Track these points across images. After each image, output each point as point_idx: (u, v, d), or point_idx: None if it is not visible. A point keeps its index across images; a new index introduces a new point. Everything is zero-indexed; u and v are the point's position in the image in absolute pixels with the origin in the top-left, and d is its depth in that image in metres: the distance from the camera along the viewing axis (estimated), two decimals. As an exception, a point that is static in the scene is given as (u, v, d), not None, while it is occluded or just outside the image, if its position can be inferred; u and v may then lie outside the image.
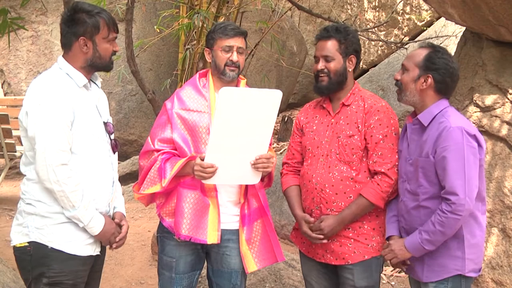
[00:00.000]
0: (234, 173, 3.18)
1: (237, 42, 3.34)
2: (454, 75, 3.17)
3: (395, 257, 3.19)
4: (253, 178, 3.24)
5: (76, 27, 2.96)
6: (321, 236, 3.30)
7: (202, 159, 3.10)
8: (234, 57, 3.33)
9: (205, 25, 6.18)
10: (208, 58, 3.42)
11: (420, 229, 3.11)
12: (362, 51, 9.19)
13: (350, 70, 3.39)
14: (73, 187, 2.86)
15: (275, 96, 3.06)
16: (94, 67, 3.04)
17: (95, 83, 3.17)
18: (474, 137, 3.03)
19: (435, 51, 3.16)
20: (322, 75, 3.39)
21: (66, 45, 3.01)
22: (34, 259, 2.93)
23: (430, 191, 3.08)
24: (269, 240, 3.37)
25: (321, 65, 3.38)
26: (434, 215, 3.03)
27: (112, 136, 3.17)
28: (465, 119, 3.18)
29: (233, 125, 3.04)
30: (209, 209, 3.25)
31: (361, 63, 3.39)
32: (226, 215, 3.32)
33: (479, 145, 3.05)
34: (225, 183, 3.26)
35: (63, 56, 3.04)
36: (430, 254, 3.12)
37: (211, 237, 3.24)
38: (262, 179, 3.31)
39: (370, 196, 3.25)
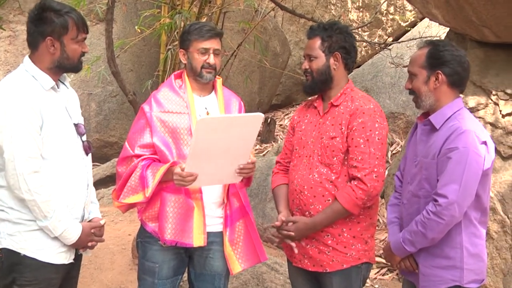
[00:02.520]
0: (215, 176, 3.17)
1: (213, 44, 3.32)
2: (463, 62, 3.06)
3: (388, 260, 3.18)
4: (235, 178, 3.23)
5: (43, 26, 2.88)
6: (291, 234, 3.26)
7: (182, 169, 3.08)
8: (211, 59, 3.31)
9: (186, 26, 6.16)
10: (183, 60, 3.39)
11: (405, 229, 3.09)
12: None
13: (335, 68, 3.32)
14: (45, 196, 2.80)
15: (255, 120, 3.03)
16: (61, 68, 2.97)
17: (63, 83, 3.09)
18: (484, 144, 2.95)
19: (435, 46, 3.09)
20: (306, 74, 3.37)
21: (33, 45, 2.93)
22: (5, 266, 2.87)
23: (431, 195, 2.99)
24: (251, 240, 3.36)
25: (305, 64, 3.37)
26: (420, 215, 2.99)
27: (84, 138, 3.10)
28: (478, 123, 3.10)
29: (212, 148, 3.00)
30: (194, 211, 3.23)
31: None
32: (211, 217, 3.31)
33: (489, 153, 2.97)
34: (205, 185, 3.25)
35: (29, 56, 2.96)
36: (427, 264, 3.06)
37: (197, 240, 3.22)
38: (241, 180, 3.31)
39: (344, 202, 3.17)
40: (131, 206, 3.32)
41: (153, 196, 3.21)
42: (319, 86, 3.35)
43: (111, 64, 5.72)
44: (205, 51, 3.31)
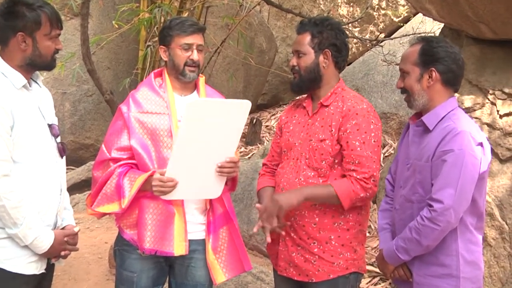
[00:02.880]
0: (195, 187, 3.18)
1: (196, 39, 3.31)
2: (458, 59, 3.08)
3: (381, 269, 3.18)
4: (215, 191, 3.25)
5: (15, 21, 2.85)
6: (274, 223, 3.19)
7: (162, 174, 3.08)
8: (195, 55, 3.30)
9: (167, 21, 6.15)
10: (164, 57, 3.37)
11: (398, 236, 3.09)
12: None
13: (324, 66, 3.31)
14: (15, 202, 2.77)
15: (243, 107, 3.06)
16: (33, 66, 2.95)
17: (36, 82, 3.07)
18: (480, 146, 2.96)
19: (428, 42, 3.10)
20: (294, 71, 3.37)
21: (2, 41, 2.90)
22: None
23: (426, 200, 2.99)
24: (235, 248, 3.36)
25: (293, 61, 3.36)
26: (413, 221, 2.99)
27: (59, 139, 3.07)
28: (473, 124, 3.10)
29: (198, 138, 3.03)
30: (175, 218, 3.22)
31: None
32: (192, 224, 3.30)
33: (485, 154, 2.98)
34: (185, 198, 3.25)
35: None
36: (421, 273, 3.06)
37: (178, 249, 3.22)
38: (225, 183, 3.30)
39: (339, 189, 3.14)
40: (106, 213, 3.30)
41: (131, 202, 3.19)
42: (307, 84, 3.35)
43: (86, 62, 5.70)
44: (188, 47, 3.30)
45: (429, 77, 3.06)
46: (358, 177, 3.14)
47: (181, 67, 3.31)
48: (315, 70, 3.32)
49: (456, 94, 4.48)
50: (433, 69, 3.05)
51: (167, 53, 3.35)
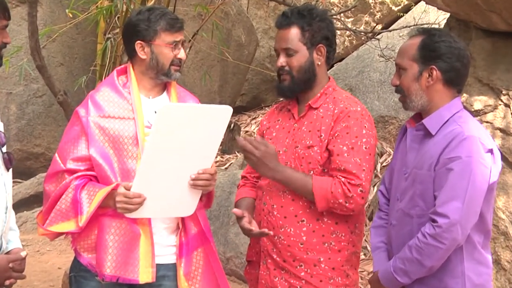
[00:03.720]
0: (165, 204, 3.17)
1: (181, 35, 3.33)
2: (462, 57, 3.08)
3: None
4: (188, 208, 3.24)
5: None
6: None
7: (128, 189, 3.06)
8: (182, 54, 3.32)
9: (130, 10, 6.14)
10: (142, 54, 3.32)
11: (396, 256, 3.08)
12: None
13: (319, 63, 3.32)
14: None
15: (223, 114, 3.06)
16: None
17: None
18: (490, 153, 2.97)
19: (430, 36, 3.10)
20: (282, 73, 3.33)
21: None
22: None
23: (427, 215, 2.99)
24: (212, 273, 3.35)
25: (281, 60, 3.32)
26: (414, 239, 2.99)
27: (4, 149, 3.02)
28: (482, 128, 3.12)
29: (170, 148, 3.03)
30: (140, 239, 3.20)
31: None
32: (161, 246, 3.28)
33: (495, 163, 2.99)
34: (153, 217, 3.24)
35: None
36: None
37: (144, 275, 3.19)
38: (200, 198, 3.30)
39: (317, 185, 3.15)
40: (61, 233, 3.28)
41: (89, 221, 3.17)
42: (300, 87, 3.33)
43: (35, 57, 5.66)
44: (176, 45, 3.31)
45: (429, 75, 3.07)
46: (342, 180, 3.13)
47: (166, 66, 3.30)
48: (310, 69, 3.31)
49: (465, 95, 4.51)
50: (434, 66, 3.06)
51: (149, 50, 3.33)
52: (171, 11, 3.55)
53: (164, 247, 3.30)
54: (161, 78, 3.33)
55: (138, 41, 3.33)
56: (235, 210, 3.32)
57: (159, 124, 2.97)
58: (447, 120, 3.05)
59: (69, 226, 3.18)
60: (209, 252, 3.36)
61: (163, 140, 3.00)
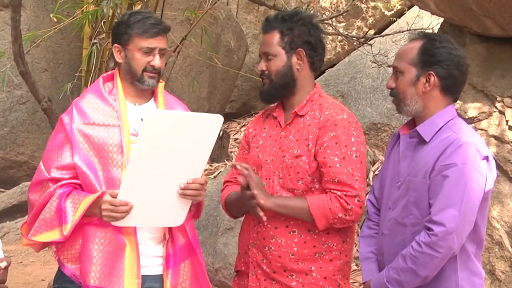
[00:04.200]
0: (153, 213, 3.17)
1: (160, 42, 3.30)
2: (461, 65, 3.10)
3: None
4: (177, 219, 3.23)
5: None
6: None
7: (114, 196, 3.06)
8: (156, 61, 3.29)
9: (116, 14, 6.13)
10: (118, 58, 3.34)
11: (389, 265, 3.09)
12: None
13: (298, 68, 3.33)
14: None
15: (214, 122, 3.07)
16: None
17: None
18: (486, 160, 2.99)
19: (431, 40, 3.12)
20: (263, 77, 3.37)
21: None
22: None
23: (422, 223, 3.00)
24: (199, 286, 3.35)
25: (261, 65, 3.37)
26: (407, 248, 3.00)
27: None
28: (477, 135, 3.15)
29: (158, 156, 3.03)
30: (126, 250, 3.19)
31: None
32: (147, 256, 3.27)
33: (491, 170, 3.01)
34: (140, 226, 3.23)
35: None
36: None
37: (129, 286, 3.18)
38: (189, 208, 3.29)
39: (313, 205, 3.17)
40: (46, 244, 3.27)
41: (74, 230, 3.16)
42: (279, 91, 3.36)
43: (19, 62, 5.66)
44: (150, 51, 3.29)
45: (426, 81, 3.09)
46: (338, 193, 3.15)
47: (139, 72, 3.29)
48: (288, 73, 3.33)
49: (459, 102, 4.52)
50: (432, 72, 3.07)
51: (123, 54, 3.33)
52: (158, 16, 3.53)
53: (151, 258, 3.29)
54: (136, 84, 3.32)
55: (116, 45, 3.35)
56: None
57: (145, 132, 2.97)
58: (441, 127, 3.07)
59: (53, 235, 3.17)
60: (197, 264, 3.35)
61: (150, 148, 2.99)
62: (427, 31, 8.05)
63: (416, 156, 3.11)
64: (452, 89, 3.12)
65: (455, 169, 2.93)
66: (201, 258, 3.37)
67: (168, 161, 3.05)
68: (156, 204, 3.15)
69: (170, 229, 3.32)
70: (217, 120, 3.07)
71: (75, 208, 3.14)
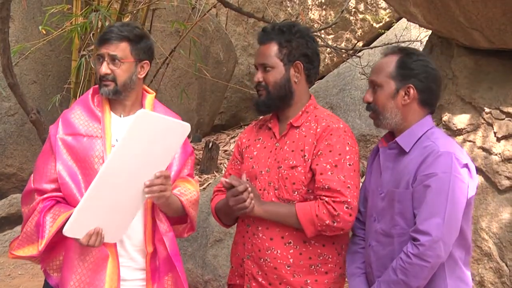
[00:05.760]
0: (119, 224, 3.13)
1: (108, 49, 3.26)
2: (437, 78, 3.19)
3: None
4: (116, 234, 3.18)
5: None
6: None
7: None
8: (102, 69, 3.27)
9: (105, 26, 6.14)
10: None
11: (379, 279, 3.09)
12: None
13: (296, 80, 3.35)
14: None
15: (183, 129, 3.09)
16: None
17: None
18: (466, 168, 3.03)
19: (408, 54, 3.17)
20: (260, 88, 3.37)
21: None
22: None
23: (408, 233, 3.02)
24: None
25: (258, 76, 3.37)
26: (396, 259, 3.01)
27: None
28: (455, 144, 3.18)
29: (134, 156, 3.00)
30: (108, 261, 3.19)
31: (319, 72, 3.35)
32: (129, 269, 3.27)
33: (472, 177, 3.05)
34: (114, 241, 3.20)
35: None
36: None
37: (109, 298, 3.17)
38: (181, 222, 3.28)
39: (300, 212, 3.17)
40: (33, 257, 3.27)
41: (58, 240, 3.16)
42: (276, 103, 3.37)
43: (7, 74, 5.64)
44: (99, 59, 3.30)
45: (406, 93, 3.14)
46: (326, 199, 3.16)
47: (98, 80, 3.31)
48: (285, 86, 3.34)
49: (447, 113, 4.54)
50: (411, 86, 3.12)
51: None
52: (142, 26, 3.53)
53: (133, 271, 3.29)
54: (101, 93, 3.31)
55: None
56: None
57: (131, 131, 2.94)
58: (420, 137, 3.12)
59: (32, 250, 3.18)
60: (177, 279, 3.32)
61: (129, 148, 2.96)
62: (415, 43, 8.10)
63: (397, 167, 3.14)
64: (429, 101, 3.19)
65: (436, 178, 2.97)
66: (181, 272, 3.32)
67: (138, 163, 3.03)
68: (112, 218, 3.10)
69: (153, 240, 3.30)
70: (186, 128, 3.08)
71: (52, 223, 3.13)
